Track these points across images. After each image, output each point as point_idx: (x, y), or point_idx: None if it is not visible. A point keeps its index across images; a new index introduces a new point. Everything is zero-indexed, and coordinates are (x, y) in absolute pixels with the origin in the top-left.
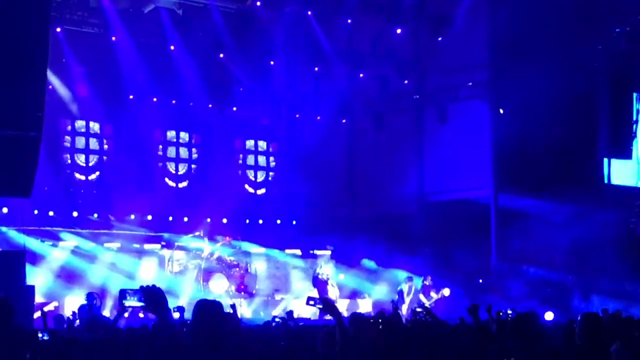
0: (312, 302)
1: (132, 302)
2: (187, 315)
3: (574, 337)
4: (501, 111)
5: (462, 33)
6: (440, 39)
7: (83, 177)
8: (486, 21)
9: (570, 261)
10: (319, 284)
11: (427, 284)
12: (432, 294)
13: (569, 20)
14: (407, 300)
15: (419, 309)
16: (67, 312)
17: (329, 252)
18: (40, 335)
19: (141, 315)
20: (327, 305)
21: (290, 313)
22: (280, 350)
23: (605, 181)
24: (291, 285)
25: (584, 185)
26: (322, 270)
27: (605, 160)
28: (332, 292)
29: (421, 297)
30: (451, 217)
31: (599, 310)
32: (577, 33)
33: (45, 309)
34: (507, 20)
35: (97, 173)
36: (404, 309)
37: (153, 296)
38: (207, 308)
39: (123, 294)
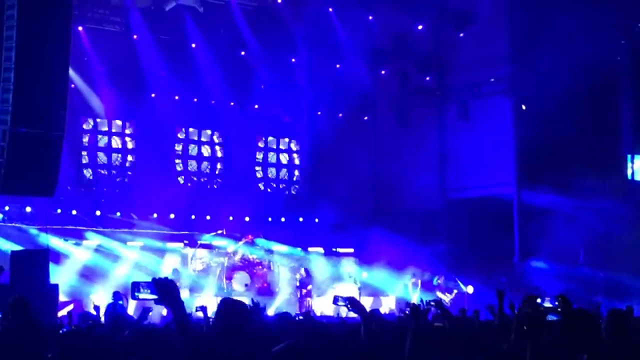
0: (340, 302)
1: (144, 294)
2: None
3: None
4: (523, 107)
5: (484, 29)
6: (461, 34)
7: (105, 176)
8: (507, 17)
9: (594, 257)
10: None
11: (439, 282)
12: (438, 293)
13: (591, 14)
14: (412, 296)
15: (432, 303)
16: (91, 311)
17: (351, 250)
18: (61, 330)
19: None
20: (353, 303)
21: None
22: (302, 347)
23: (629, 177)
24: (314, 284)
25: (607, 181)
26: (301, 271)
27: (629, 156)
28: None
29: (439, 294)
30: (474, 213)
31: (622, 307)
32: (599, 28)
33: (68, 307)
34: (529, 15)
35: (120, 172)
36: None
37: (165, 288)
38: (231, 306)
39: (136, 286)
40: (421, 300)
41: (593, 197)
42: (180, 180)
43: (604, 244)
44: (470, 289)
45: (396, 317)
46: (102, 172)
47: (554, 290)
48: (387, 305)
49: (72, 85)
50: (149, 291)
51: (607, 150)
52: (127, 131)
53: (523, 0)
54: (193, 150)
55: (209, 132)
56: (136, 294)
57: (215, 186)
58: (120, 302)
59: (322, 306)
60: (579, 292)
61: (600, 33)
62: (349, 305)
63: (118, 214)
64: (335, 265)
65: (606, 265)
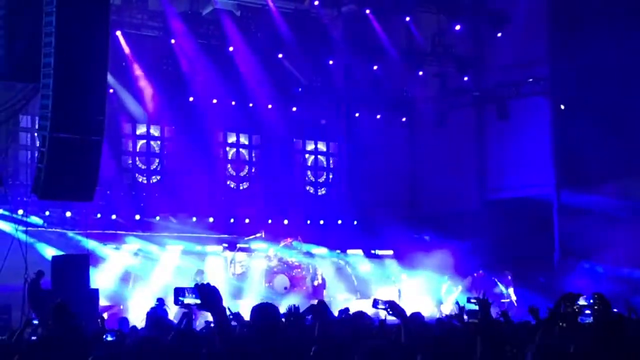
0: (380, 306)
1: (189, 299)
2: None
3: None
4: (562, 107)
5: (522, 28)
6: (499, 34)
7: (145, 180)
8: (546, 15)
9: (636, 257)
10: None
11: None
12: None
13: (631, 12)
14: (447, 299)
15: (473, 300)
16: (131, 315)
17: (390, 252)
18: (104, 336)
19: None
20: (393, 307)
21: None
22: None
23: None
24: (355, 286)
25: None
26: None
27: None
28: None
29: (510, 291)
30: (513, 214)
31: None
32: (637, 26)
33: (108, 312)
34: (567, 13)
35: (159, 176)
36: (445, 309)
37: (208, 294)
38: (264, 311)
39: (180, 292)
40: (457, 303)
41: (633, 196)
42: (219, 183)
43: None
44: (510, 291)
45: (436, 320)
46: (142, 176)
47: (593, 290)
48: (428, 308)
49: (111, 90)
50: (192, 296)
51: None
52: (166, 135)
53: (561, 0)
54: (231, 153)
55: (247, 135)
56: (180, 298)
57: (253, 189)
58: (165, 306)
59: (363, 309)
60: (620, 293)
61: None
62: (388, 309)
63: (157, 218)
64: (375, 267)
65: None
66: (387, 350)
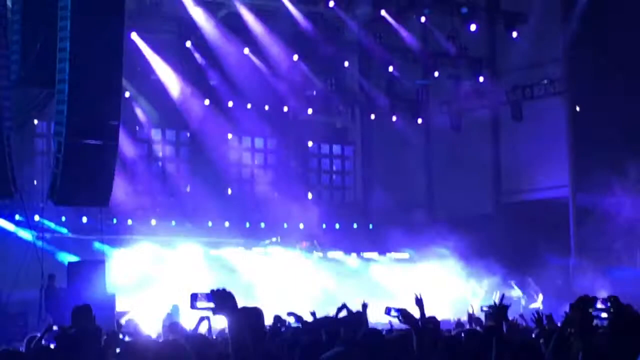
0: (392, 313)
1: (203, 303)
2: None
3: None
4: (578, 108)
5: (537, 29)
6: (514, 36)
7: (160, 185)
8: (561, 16)
9: None
10: None
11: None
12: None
13: None
14: (471, 302)
15: (485, 309)
16: (146, 320)
17: (406, 255)
18: (121, 336)
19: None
20: (405, 315)
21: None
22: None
23: None
24: (370, 290)
25: None
26: None
27: None
28: None
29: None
30: (529, 217)
31: None
32: None
33: (125, 318)
34: (582, 14)
35: (174, 180)
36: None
37: (223, 299)
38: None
39: (195, 296)
40: (481, 308)
41: None
42: (235, 187)
43: None
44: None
45: (455, 323)
46: (157, 181)
47: (611, 293)
48: (444, 313)
49: (127, 94)
50: (207, 301)
51: None
52: (181, 139)
53: (576, 1)
54: (246, 157)
55: (262, 138)
56: (195, 303)
57: (266, 193)
58: (180, 311)
59: (376, 315)
60: (637, 295)
61: None
62: (400, 317)
63: (173, 222)
64: (390, 271)
65: None
66: None
